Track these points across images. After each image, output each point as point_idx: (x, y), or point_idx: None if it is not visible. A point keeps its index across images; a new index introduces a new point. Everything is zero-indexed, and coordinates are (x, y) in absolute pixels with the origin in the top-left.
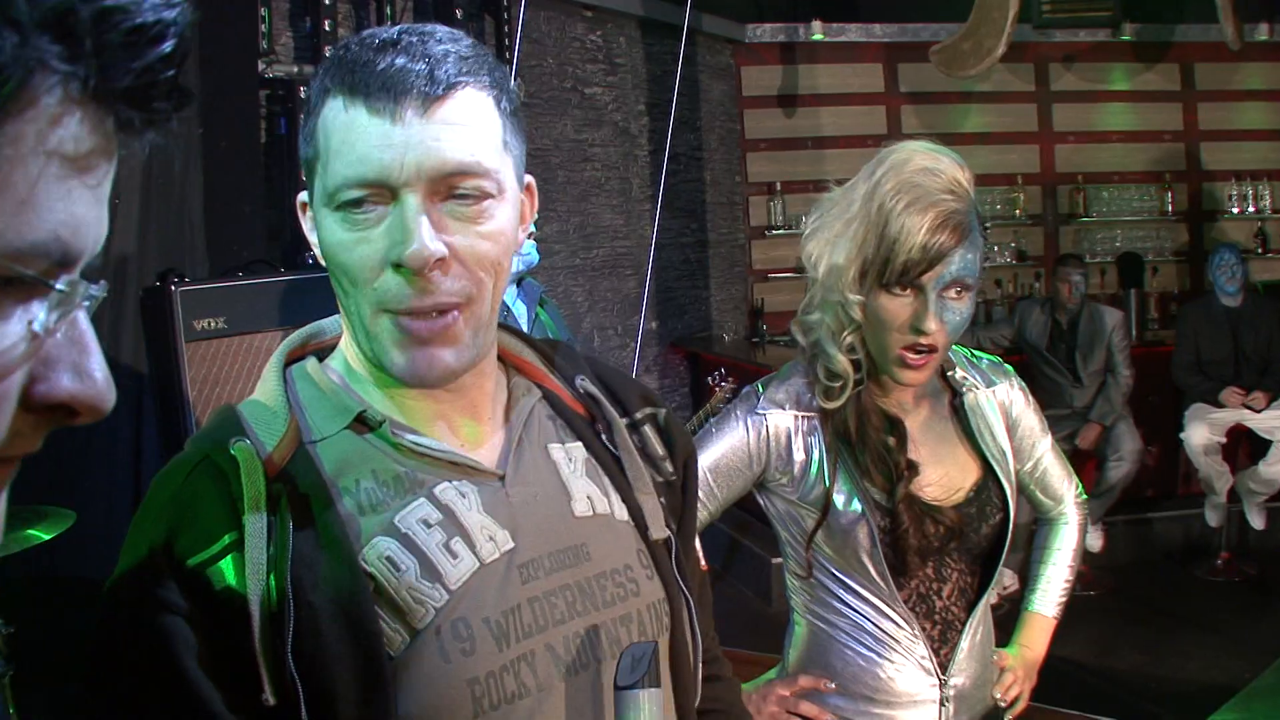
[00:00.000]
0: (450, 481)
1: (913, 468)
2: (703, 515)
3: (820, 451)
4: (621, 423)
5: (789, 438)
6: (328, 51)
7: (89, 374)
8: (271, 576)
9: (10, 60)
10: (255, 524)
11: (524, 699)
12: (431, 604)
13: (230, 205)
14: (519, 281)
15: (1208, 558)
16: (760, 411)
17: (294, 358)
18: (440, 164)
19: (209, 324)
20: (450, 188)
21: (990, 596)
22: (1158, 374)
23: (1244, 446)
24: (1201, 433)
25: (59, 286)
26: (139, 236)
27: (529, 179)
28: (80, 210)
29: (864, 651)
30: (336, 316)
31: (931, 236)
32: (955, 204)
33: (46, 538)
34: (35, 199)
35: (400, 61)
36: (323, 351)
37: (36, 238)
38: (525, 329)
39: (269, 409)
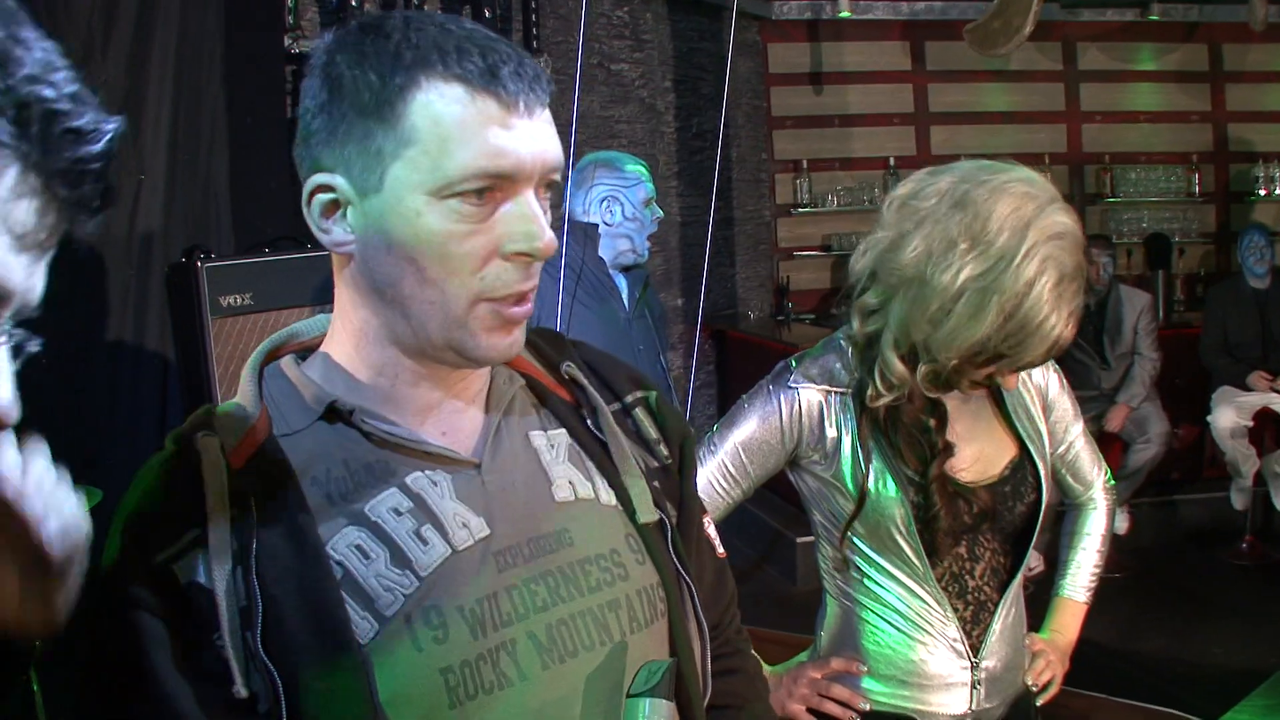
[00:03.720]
0: (423, 470)
1: (948, 448)
2: (736, 493)
3: (853, 430)
4: (606, 407)
5: (821, 414)
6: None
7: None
8: (238, 570)
9: None
10: (219, 519)
11: (505, 688)
12: (400, 590)
13: (256, 181)
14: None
15: (1233, 541)
16: (792, 386)
17: (272, 358)
18: (556, 160)
19: (235, 300)
20: (547, 182)
21: (1019, 579)
22: (1185, 356)
23: (1270, 430)
24: (1228, 416)
25: None
26: (164, 213)
27: None
28: (5, 259)
29: (896, 633)
30: (316, 319)
31: (1062, 337)
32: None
33: None
34: None
35: (506, 52)
36: (304, 352)
37: None
38: (627, 308)
39: (240, 405)
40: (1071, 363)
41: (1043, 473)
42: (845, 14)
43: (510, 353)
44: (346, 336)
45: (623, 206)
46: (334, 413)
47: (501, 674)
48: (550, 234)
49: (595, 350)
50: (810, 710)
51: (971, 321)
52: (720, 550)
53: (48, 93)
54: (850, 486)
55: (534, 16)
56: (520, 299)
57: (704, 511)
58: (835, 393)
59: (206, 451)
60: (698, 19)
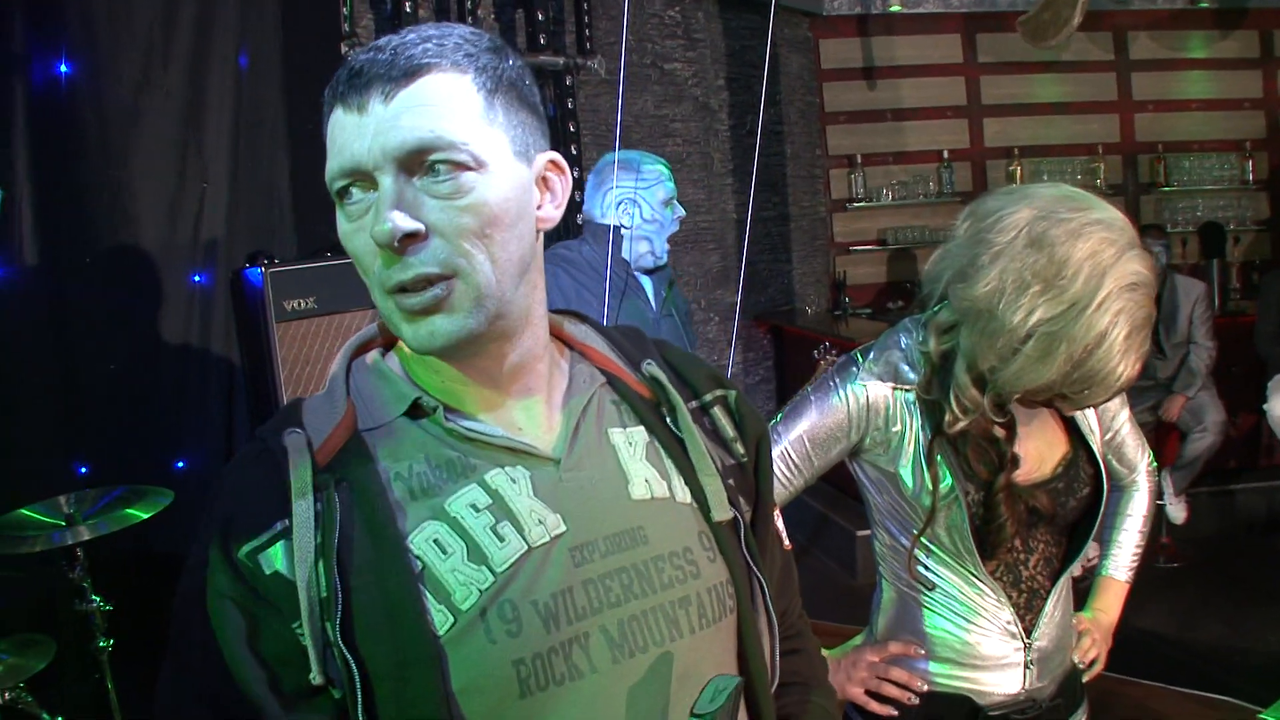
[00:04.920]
0: (502, 467)
1: (1015, 460)
2: (798, 481)
3: (917, 428)
4: (685, 406)
5: (887, 409)
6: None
7: None
8: (320, 563)
9: None
10: (302, 512)
11: (576, 680)
12: (476, 585)
13: (317, 187)
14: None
15: None
16: (860, 382)
17: (361, 351)
18: (400, 144)
19: (299, 304)
20: (422, 165)
21: (1075, 568)
22: (1241, 344)
23: None
24: None
25: None
26: (228, 220)
27: (552, 154)
28: None
29: (951, 618)
30: None
31: (1127, 381)
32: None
33: (145, 517)
34: None
35: (367, 57)
36: (391, 344)
37: None
38: (654, 307)
39: (327, 400)
40: None
41: (1100, 465)
42: (896, 8)
43: (429, 344)
44: None
45: (640, 208)
46: (417, 408)
47: (573, 666)
48: (387, 221)
49: (677, 349)
50: (868, 692)
51: (1038, 364)
52: (787, 542)
53: None
54: (909, 483)
55: (586, 19)
56: (410, 288)
57: (774, 506)
58: (901, 389)
59: (293, 447)
60: (749, 16)
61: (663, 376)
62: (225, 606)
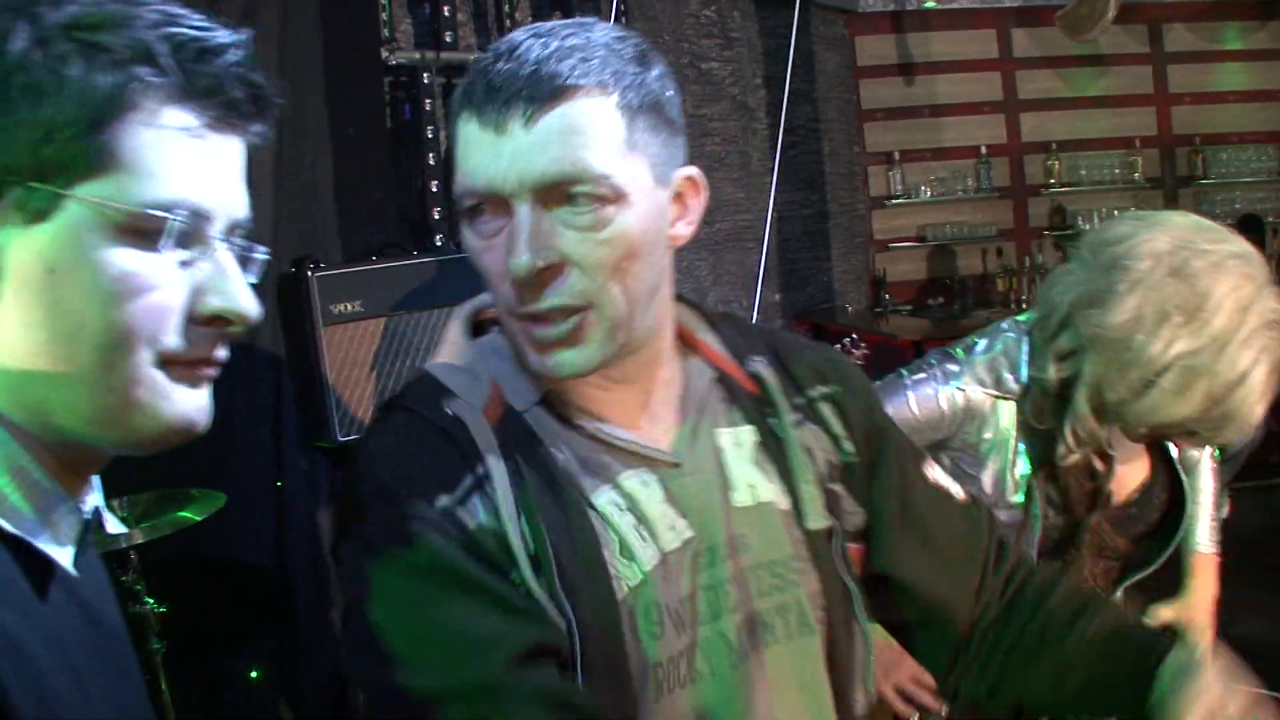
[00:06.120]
0: (633, 470)
1: (1109, 499)
2: None
3: (1008, 442)
4: (787, 406)
5: (983, 415)
6: (447, 37)
7: (229, 294)
8: (523, 518)
9: (120, 84)
10: (499, 469)
11: (697, 683)
12: (627, 581)
13: (360, 191)
14: None
15: None
16: (961, 383)
17: (476, 321)
18: (540, 175)
19: (346, 308)
20: (562, 195)
21: (1140, 576)
22: None
23: None
24: None
25: (179, 220)
26: (273, 225)
27: (688, 171)
28: (196, 177)
29: None
30: None
31: (1258, 420)
32: None
33: (198, 519)
34: (161, 170)
35: (508, 69)
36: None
37: (162, 196)
38: None
39: (470, 374)
40: None
41: (1185, 486)
42: (931, 4)
43: (555, 375)
44: None
45: None
46: (549, 403)
47: (695, 670)
48: (524, 256)
49: (786, 339)
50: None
51: (1175, 399)
52: (959, 495)
53: (172, 29)
54: (986, 491)
55: (624, 20)
56: (541, 318)
57: (923, 460)
58: (1002, 398)
59: (466, 411)
60: (785, 14)
61: (767, 376)
62: (444, 553)
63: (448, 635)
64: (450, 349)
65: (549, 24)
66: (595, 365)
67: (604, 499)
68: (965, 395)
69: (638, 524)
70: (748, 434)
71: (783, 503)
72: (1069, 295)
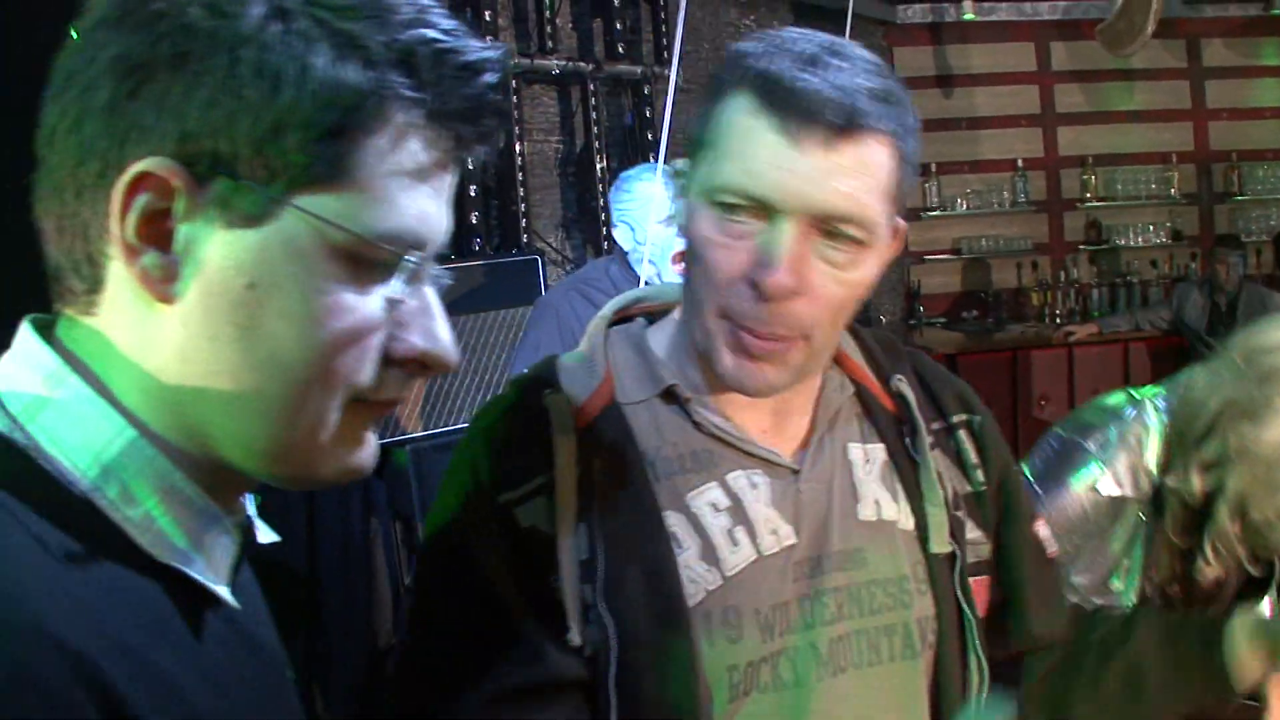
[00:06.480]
0: (744, 470)
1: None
2: None
3: (1135, 568)
4: (925, 429)
5: (1112, 519)
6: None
7: (434, 335)
8: (581, 525)
9: (372, 90)
10: (567, 473)
11: (778, 691)
12: (704, 585)
13: None
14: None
15: None
16: (1102, 472)
17: (621, 318)
18: (830, 207)
19: None
20: (828, 228)
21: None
22: None
23: None
24: None
25: (410, 260)
26: None
27: (901, 223)
28: (425, 207)
29: None
30: (670, 285)
31: None
32: None
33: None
34: (395, 196)
35: (816, 84)
36: (652, 315)
37: (392, 226)
38: None
39: (586, 364)
40: None
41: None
42: (970, 16)
43: (750, 387)
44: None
45: (634, 230)
46: (670, 394)
47: (778, 677)
48: (787, 276)
49: (930, 363)
50: None
51: None
52: (1051, 550)
53: (429, 34)
54: (1117, 588)
55: (664, 28)
56: (760, 333)
57: (1036, 518)
58: (1135, 502)
59: (556, 407)
60: (822, 25)
61: (910, 395)
62: (482, 550)
63: (443, 655)
64: (585, 339)
65: (817, 34)
66: (785, 387)
67: (704, 497)
68: (1098, 483)
69: (734, 525)
70: (878, 452)
71: (906, 523)
72: (1215, 401)
